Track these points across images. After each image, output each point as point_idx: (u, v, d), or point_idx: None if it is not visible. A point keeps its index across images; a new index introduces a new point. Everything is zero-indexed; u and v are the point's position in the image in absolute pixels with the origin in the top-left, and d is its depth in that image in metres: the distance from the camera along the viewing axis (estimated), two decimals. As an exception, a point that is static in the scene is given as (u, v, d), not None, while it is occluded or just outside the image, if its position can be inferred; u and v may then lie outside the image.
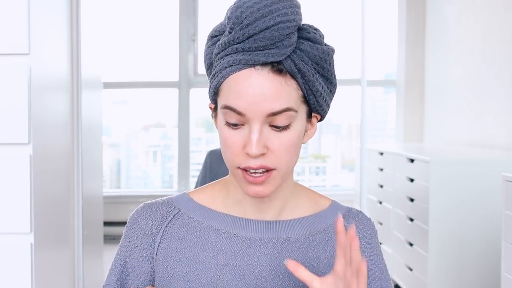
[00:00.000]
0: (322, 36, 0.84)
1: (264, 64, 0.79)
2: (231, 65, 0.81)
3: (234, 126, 0.81)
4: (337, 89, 0.90)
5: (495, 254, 2.42)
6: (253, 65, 0.79)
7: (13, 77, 1.49)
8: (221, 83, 0.82)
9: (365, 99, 2.67)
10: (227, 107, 0.81)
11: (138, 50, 4.68)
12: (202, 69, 4.47)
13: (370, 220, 0.97)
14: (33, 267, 1.52)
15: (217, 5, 4.40)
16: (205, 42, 0.88)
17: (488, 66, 3.21)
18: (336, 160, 4.95)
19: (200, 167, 2.69)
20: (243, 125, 0.81)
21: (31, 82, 1.51)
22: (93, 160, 2.38)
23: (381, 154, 3.32)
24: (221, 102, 0.83)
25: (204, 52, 0.88)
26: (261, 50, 0.79)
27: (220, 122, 0.84)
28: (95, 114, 2.47)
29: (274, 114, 0.79)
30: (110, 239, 3.28)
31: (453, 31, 3.70)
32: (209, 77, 0.89)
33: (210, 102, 0.91)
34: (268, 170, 0.81)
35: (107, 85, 4.04)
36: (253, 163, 0.80)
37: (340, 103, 4.63)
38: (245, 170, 0.81)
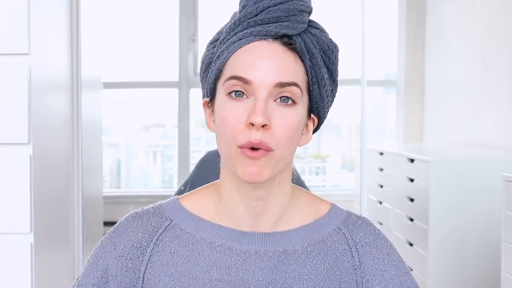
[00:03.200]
0: (328, 34, 0.86)
1: (275, 37, 0.79)
2: (241, 39, 0.80)
3: (238, 96, 0.78)
4: (338, 89, 0.90)
5: (495, 254, 2.42)
6: (265, 36, 0.79)
7: (13, 77, 1.49)
8: (227, 59, 0.81)
9: (365, 99, 2.67)
10: (232, 77, 0.78)
11: (138, 50, 4.68)
12: (202, 69, 4.46)
13: (371, 224, 0.94)
14: (33, 267, 1.52)
15: (217, 5, 4.40)
16: (205, 48, 0.87)
17: (488, 66, 3.21)
18: (336, 160, 4.95)
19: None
20: (247, 97, 0.79)
21: (31, 82, 1.50)
22: (93, 160, 2.38)
23: (381, 154, 3.32)
24: (224, 78, 0.80)
25: (203, 57, 0.87)
26: (273, 22, 0.79)
27: (220, 102, 0.81)
28: (95, 114, 2.47)
29: (281, 85, 0.78)
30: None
31: (453, 32, 3.70)
32: (203, 78, 0.87)
33: (204, 98, 0.88)
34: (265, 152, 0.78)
35: (107, 85, 4.03)
36: (254, 137, 0.77)
37: (340, 103, 4.63)
38: (243, 149, 0.78)
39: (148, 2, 4.66)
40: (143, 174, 4.97)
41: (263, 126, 0.77)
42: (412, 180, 2.74)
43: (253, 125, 0.77)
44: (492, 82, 3.16)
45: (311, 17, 0.86)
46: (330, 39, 0.85)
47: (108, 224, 3.16)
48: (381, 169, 3.30)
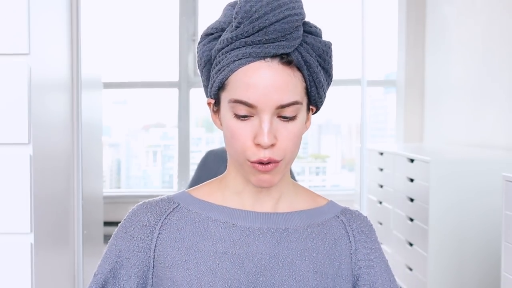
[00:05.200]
0: (321, 31, 0.88)
1: (273, 56, 0.82)
2: (241, 58, 0.83)
3: (243, 117, 0.83)
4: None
5: (495, 254, 2.42)
6: (264, 57, 0.82)
7: (13, 77, 1.49)
8: (229, 77, 0.84)
9: (365, 99, 2.66)
10: (237, 101, 0.83)
11: (138, 50, 4.68)
12: (202, 69, 4.46)
13: (367, 218, 0.99)
14: (33, 267, 1.52)
15: (217, 5, 4.39)
16: (199, 41, 0.90)
17: (488, 66, 3.21)
18: (336, 160, 4.95)
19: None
20: (252, 116, 0.83)
21: (31, 82, 1.51)
22: (93, 160, 2.38)
23: (381, 154, 3.32)
24: (228, 96, 0.84)
25: (199, 50, 0.89)
26: (271, 43, 0.81)
27: (226, 116, 0.85)
28: (95, 114, 2.47)
29: (283, 106, 0.82)
30: (110, 239, 3.27)
31: (453, 32, 3.71)
32: (203, 74, 0.90)
33: (208, 98, 0.91)
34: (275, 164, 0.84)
35: (107, 85, 4.03)
36: (263, 155, 0.83)
37: (340, 103, 4.63)
38: (254, 164, 0.84)
39: (148, 2, 4.66)
40: (143, 174, 4.97)
41: (271, 145, 0.83)
42: (412, 180, 2.74)
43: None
44: (492, 82, 3.16)
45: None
46: (324, 41, 0.87)
47: (108, 224, 3.16)
48: (381, 169, 3.30)
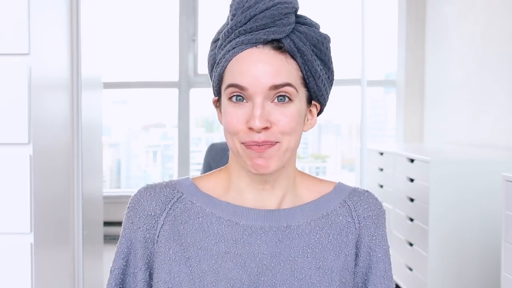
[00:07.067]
0: (318, 25, 0.89)
1: (265, 43, 0.84)
2: (234, 47, 0.85)
3: (238, 100, 0.84)
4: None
5: (495, 254, 2.42)
6: (255, 43, 0.84)
7: (13, 77, 1.49)
8: (225, 67, 0.86)
9: (365, 99, 2.66)
10: (230, 85, 0.84)
11: (138, 50, 4.68)
12: (202, 69, 4.47)
13: (378, 200, 0.96)
14: (33, 267, 1.52)
15: (217, 5, 4.40)
16: (209, 48, 0.92)
17: (488, 66, 3.21)
18: (336, 160, 4.95)
19: (200, 167, 2.69)
20: (246, 102, 0.84)
21: (31, 82, 1.51)
22: (93, 160, 2.38)
23: (381, 154, 3.32)
24: (224, 84, 0.86)
25: (208, 57, 0.91)
26: (261, 29, 0.83)
27: (224, 103, 0.87)
28: (95, 114, 2.46)
29: (275, 87, 0.83)
30: (110, 239, 3.27)
31: (453, 31, 3.71)
32: (211, 78, 0.92)
33: (213, 97, 0.93)
34: (271, 144, 0.83)
35: (107, 85, 4.03)
36: (257, 137, 0.82)
37: (340, 103, 4.63)
38: (248, 145, 0.83)
39: (148, 2, 4.66)
40: (143, 174, 4.97)
41: (264, 128, 0.82)
42: (412, 180, 2.74)
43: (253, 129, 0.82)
44: (492, 82, 3.16)
45: (302, 12, 0.89)
46: (319, 32, 0.88)
47: (108, 224, 3.15)
48: (381, 169, 3.30)
